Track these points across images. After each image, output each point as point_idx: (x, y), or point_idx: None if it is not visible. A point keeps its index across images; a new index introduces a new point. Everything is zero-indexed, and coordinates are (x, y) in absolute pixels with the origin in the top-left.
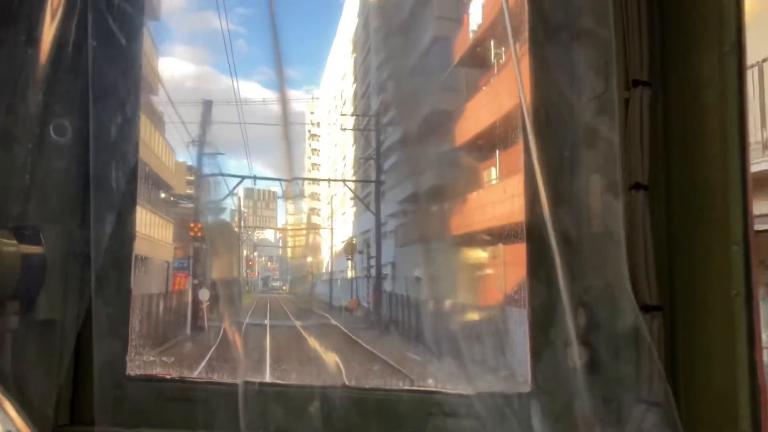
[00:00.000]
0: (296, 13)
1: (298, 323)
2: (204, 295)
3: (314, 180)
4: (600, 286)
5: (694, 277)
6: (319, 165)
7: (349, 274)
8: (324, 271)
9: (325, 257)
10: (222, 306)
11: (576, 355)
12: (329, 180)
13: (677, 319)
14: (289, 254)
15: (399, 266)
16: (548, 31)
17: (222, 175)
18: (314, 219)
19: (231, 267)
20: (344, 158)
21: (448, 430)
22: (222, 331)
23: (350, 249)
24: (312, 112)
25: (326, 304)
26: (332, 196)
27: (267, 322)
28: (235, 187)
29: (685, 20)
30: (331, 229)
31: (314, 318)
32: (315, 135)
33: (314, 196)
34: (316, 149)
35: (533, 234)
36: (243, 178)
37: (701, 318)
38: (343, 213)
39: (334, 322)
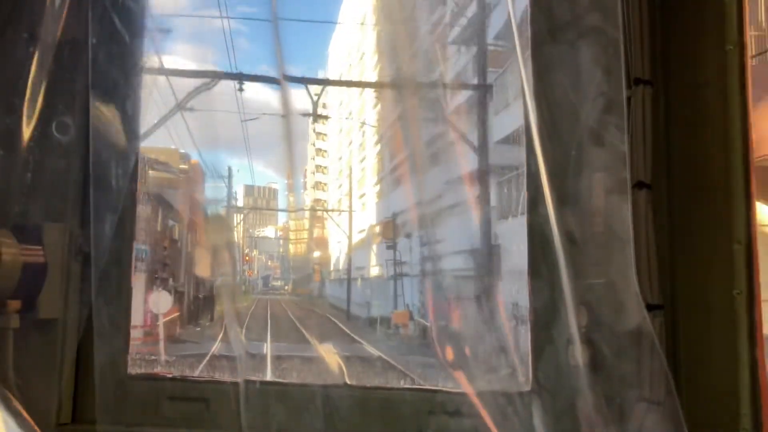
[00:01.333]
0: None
1: (329, 350)
2: (161, 302)
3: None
4: (603, 285)
5: (696, 276)
6: (326, 151)
7: (373, 271)
8: (333, 268)
9: (334, 253)
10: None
11: (578, 354)
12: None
13: (679, 318)
14: (291, 251)
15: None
16: (550, 28)
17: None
18: (319, 213)
19: (223, 264)
20: (362, 126)
21: (449, 429)
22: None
23: (390, 232)
24: (316, 94)
25: (342, 312)
26: (350, 168)
27: (267, 350)
28: (207, 85)
29: (686, 18)
30: (350, 210)
31: (336, 337)
32: (320, 116)
33: (319, 186)
34: (322, 133)
35: (535, 231)
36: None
37: (703, 317)
38: (362, 195)
39: (371, 349)
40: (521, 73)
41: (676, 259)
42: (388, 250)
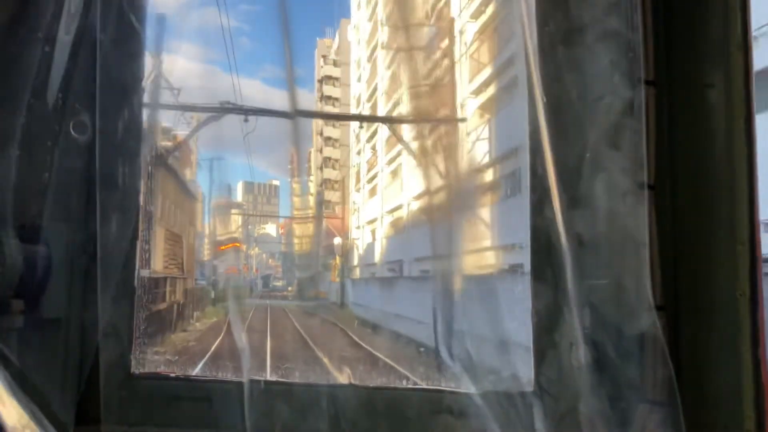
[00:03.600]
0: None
1: None
2: None
3: None
4: (606, 286)
5: (698, 277)
6: (333, 125)
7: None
8: (358, 263)
9: (364, 239)
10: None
11: (581, 355)
12: None
13: (681, 319)
14: (296, 244)
15: None
16: (561, 29)
17: None
18: (327, 201)
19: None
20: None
21: (454, 429)
22: None
23: None
24: (324, 56)
25: (385, 338)
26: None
27: None
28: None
29: (691, 19)
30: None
31: None
32: (329, 77)
33: (328, 163)
34: (331, 97)
35: (538, 233)
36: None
37: (706, 318)
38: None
39: None
40: (532, 74)
41: (678, 260)
42: None
